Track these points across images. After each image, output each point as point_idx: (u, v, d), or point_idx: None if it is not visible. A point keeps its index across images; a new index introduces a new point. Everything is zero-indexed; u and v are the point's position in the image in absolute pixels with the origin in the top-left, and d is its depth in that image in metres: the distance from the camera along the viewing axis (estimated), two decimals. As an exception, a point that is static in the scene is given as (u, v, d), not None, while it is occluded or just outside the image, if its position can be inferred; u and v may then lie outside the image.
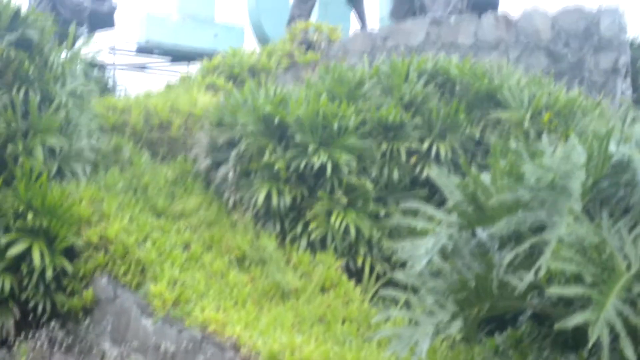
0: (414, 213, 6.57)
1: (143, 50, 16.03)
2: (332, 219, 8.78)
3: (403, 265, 6.55)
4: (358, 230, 8.80)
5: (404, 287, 6.31)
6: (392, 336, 6.26)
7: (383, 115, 9.35)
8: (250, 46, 15.89)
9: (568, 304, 5.60)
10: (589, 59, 12.80)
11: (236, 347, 7.09)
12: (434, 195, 8.43)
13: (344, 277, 8.51)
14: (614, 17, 13.08)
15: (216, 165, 9.88)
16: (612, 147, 5.72)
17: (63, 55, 10.02)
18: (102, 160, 9.90)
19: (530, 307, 6.19)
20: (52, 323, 8.26)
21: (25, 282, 8.30)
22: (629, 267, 5.29)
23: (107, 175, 9.53)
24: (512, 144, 6.56)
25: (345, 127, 9.19)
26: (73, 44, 10.28)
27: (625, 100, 12.19)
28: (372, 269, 8.78)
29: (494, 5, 14.21)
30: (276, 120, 9.29)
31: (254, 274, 8.38)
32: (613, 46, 12.83)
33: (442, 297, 5.90)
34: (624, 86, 12.64)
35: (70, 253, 8.49)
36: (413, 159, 9.28)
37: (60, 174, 9.22)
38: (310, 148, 9.00)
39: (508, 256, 5.60)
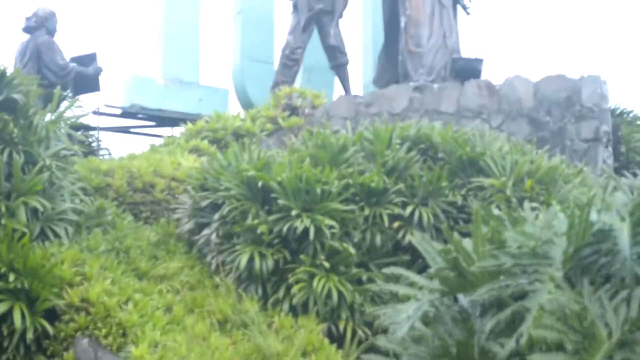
0: (396, 278, 6.57)
1: (127, 113, 16.09)
2: (315, 283, 8.75)
3: (385, 330, 6.53)
4: (340, 295, 8.78)
5: (386, 353, 6.28)
6: (373, 402, 6.21)
7: (366, 180, 9.39)
8: (234, 109, 16.03)
9: (550, 372, 5.58)
10: (570, 127, 12.93)
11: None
12: (417, 261, 8.43)
13: (326, 341, 8.46)
14: (596, 85, 13.25)
15: (199, 228, 9.87)
16: (594, 216, 5.76)
17: (47, 117, 10.05)
18: (84, 222, 9.88)
19: (512, 374, 6.17)
20: (32, 385, 8.17)
21: (5, 344, 8.22)
22: (610, 335, 5.29)
23: (89, 237, 9.50)
24: (494, 210, 6.59)
25: (329, 192, 9.22)
26: (58, 106, 10.32)
27: (606, 169, 12.29)
28: (354, 333, 8.74)
29: (476, 73, 14.37)
30: (259, 184, 9.31)
31: (236, 338, 8.33)
32: (594, 114, 12.97)
33: (424, 363, 5.88)
34: (605, 154, 12.76)
35: (52, 314, 8.42)
36: (395, 225, 9.29)
37: (42, 235, 9.20)
38: (293, 212, 9.01)
39: (490, 323, 5.60)
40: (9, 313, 8.19)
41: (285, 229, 8.99)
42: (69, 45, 15.90)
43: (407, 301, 6.17)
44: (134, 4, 28.55)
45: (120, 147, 17.26)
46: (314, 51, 16.44)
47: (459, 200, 9.53)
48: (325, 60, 16.36)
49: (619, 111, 15.70)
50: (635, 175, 7.34)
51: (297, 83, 16.03)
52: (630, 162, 13.89)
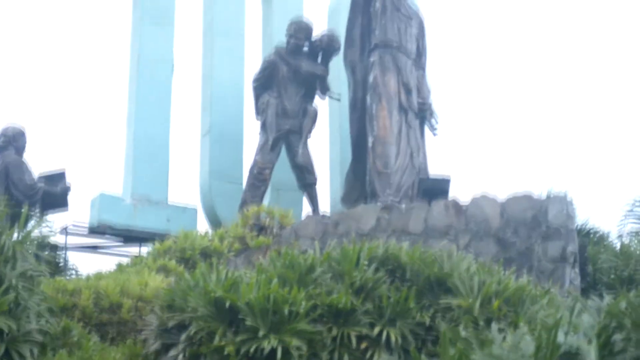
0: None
1: (95, 231, 16.03)
2: (282, 405, 8.64)
3: None
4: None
5: None
6: None
7: (334, 300, 9.36)
8: (202, 228, 16.00)
9: None
10: (537, 247, 13.02)
11: None
12: (385, 382, 8.36)
13: None
14: (562, 205, 13.39)
15: (166, 348, 9.75)
16: (561, 338, 5.78)
17: (14, 236, 10.00)
18: (50, 343, 9.73)
19: None
20: None
21: None
22: None
23: (55, 358, 9.37)
24: (462, 331, 6.58)
25: (296, 312, 9.17)
26: (25, 225, 10.29)
27: (573, 290, 12.34)
28: None
29: (444, 192, 14.51)
30: (227, 304, 9.25)
31: None
32: (561, 234, 13.08)
33: None
34: (572, 275, 12.82)
35: None
36: (363, 345, 9.23)
37: (7, 356, 9.03)
38: (261, 332, 8.94)
39: None
40: None
41: (252, 349, 8.90)
42: (37, 161, 15.91)
43: None
44: (103, 123, 28.77)
45: (87, 266, 17.14)
46: (282, 170, 16.55)
47: (427, 320, 9.50)
48: (293, 180, 16.47)
49: (585, 231, 15.85)
50: (601, 296, 7.37)
51: (265, 202, 16.09)
52: (597, 283, 13.95)
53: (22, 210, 10.31)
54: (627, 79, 34.24)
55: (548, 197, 13.55)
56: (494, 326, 6.67)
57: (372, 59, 15.74)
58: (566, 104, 34.09)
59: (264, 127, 16.26)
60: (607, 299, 7.27)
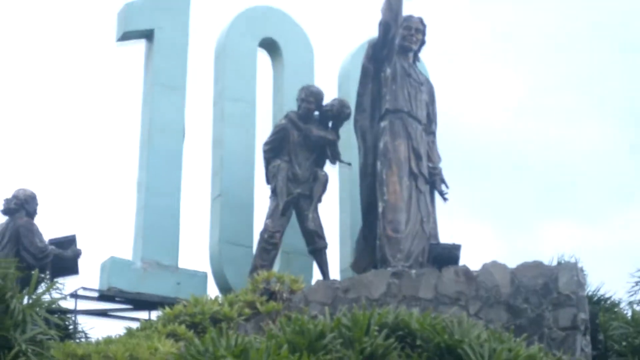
0: None
1: (105, 296, 15.99)
2: None
3: None
4: None
5: None
6: None
7: (344, 368, 9.34)
8: (213, 293, 15.95)
9: None
10: (548, 314, 12.97)
11: None
12: None
13: None
14: (572, 273, 13.37)
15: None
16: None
17: (25, 301, 10.03)
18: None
19: None
20: None
21: None
22: None
23: None
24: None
25: (307, 380, 9.15)
26: (35, 289, 10.31)
27: (585, 357, 12.26)
28: None
29: (454, 259, 14.47)
30: (237, 371, 9.23)
31: None
32: (572, 302, 13.03)
33: None
34: (583, 343, 12.74)
35: None
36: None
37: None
38: (271, 400, 8.91)
39: None
40: None
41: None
42: (48, 225, 15.96)
43: None
44: (115, 187, 28.88)
45: (97, 330, 17.06)
46: (293, 235, 16.55)
47: (438, 388, 9.47)
48: (304, 244, 16.47)
49: (596, 298, 15.78)
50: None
51: (276, 267, 16.06)
52: (608, 351, 13.86)
53: (33, 274, 10.34)
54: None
55: (559, 264, 13.54)
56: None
57: (382, 125, 15.84)
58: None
59: (274, 192, 16.30)
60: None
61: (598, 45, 34.95)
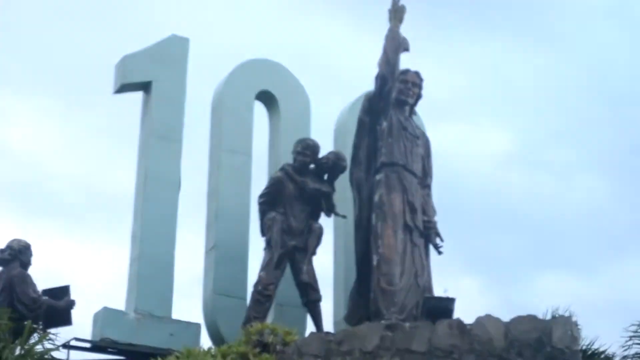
0: None
1: (98, 347, 15.92)
2: None
3: None
4: None
5: None
6: None
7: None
8: (206, 344, 15.87)
9: None
10: (541, 368, 12.94)
11: None
12: None
13: None
14: (567, 327, 13.38)
15: None
16: None
17: (17, 352, 10.00)
18: None
19: None
20: None
21: None
22: None
23: None
24: None
25: None
26: (28, 340, 10.28)
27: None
28: None
29: (448, 313, 14.45)
30: None
31: None
32: (566, 357, 13.03)
33: None
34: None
35: None
36: None
37: None
38: None
39: None
40: None
41: None
42: (42, 276, 15.96)
43: None
44: (109, 237, 28.86)
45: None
46: (286, 287, 16.54)
47: None
48: (297, 297, 16.45)
49: (590, 352, 15.76)
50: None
51: (269, 319, 16.02)
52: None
53: (26, 324, 10.32)
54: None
55: (553, 318, 13.54)
56: None
57: (378, 178, 15.89)
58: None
59: (269, 244, 16.31)
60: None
61: (589, 99, 35.35)
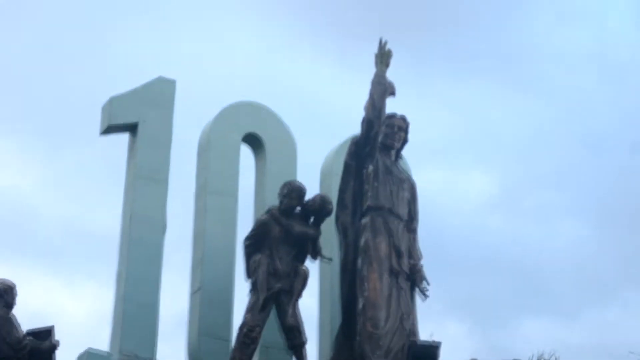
0: None
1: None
2: None
3: None
4: None
5: None
6: None
7: None
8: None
9: None
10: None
11: None
12: None
13: None
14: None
15: None
16: None
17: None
18: None
19: None
20: None
21: None
22: None
23: None
24: None
25: None
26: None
27: None
28: None
29: (433, 357, 14.49)
30: None
31: None
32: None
33: None
34: None
35: None
36: None
37: None
38: None
39: None
40: None
41: None
42: (26, 315, 15.89)
43: None
44: (95, 280, 28.77)
45: None
46: (272, 329, 16.49)
47: None
48: (283, 339, 16.40)
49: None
50: None
51: (255, 360, 15.98)
52: None
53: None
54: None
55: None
56: None
57: (364, 222, 15.94)
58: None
59: (254, 286, 16.28)
60: None
61: (571, 142, 35.62)
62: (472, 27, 35.35)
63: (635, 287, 32.40)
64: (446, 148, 33.66)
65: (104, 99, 17.72)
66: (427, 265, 16.62)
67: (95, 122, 17.86)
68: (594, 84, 36.06)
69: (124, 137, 18.03)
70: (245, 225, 17.65)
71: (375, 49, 16.82)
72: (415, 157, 18.56)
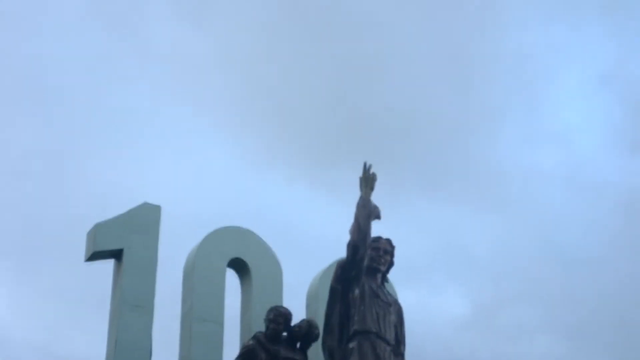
0: None
1: None
2: None
3: None
4: None
5: None
6: None
7: None
8: None
9: None
10: None
11: None
12: None
13: None
14: None
15: None
16: None
17: None
18: None
19: None
20: None
21: None
22: None
23: None
24: None
25: None
26: None
27: None
28: None
29: None
30: None
31: None
32: None
33: None
34: None
35: None
36: None
37: None
38: None
39: None
40: None
41: None
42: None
43: None
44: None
45: None
46: None
47: None
48: None
49: None
50: None
51: None
52: None
53: None
54: None
55: None
56: None
57: (351, 346, 15.80)
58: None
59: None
60: None
61: (541, 260, 35.98)
62: (444, 154, 36.35)
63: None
64: (422, 268, 33.89)
65: (90, 225, 17.72)
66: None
67: (79, 248, 17.84)
68: (563, 202, 36.93)
69: (109, 264, 18.00)
70: (231, 350, 17.48)
71: (360, 172, 16.86)
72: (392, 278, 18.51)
